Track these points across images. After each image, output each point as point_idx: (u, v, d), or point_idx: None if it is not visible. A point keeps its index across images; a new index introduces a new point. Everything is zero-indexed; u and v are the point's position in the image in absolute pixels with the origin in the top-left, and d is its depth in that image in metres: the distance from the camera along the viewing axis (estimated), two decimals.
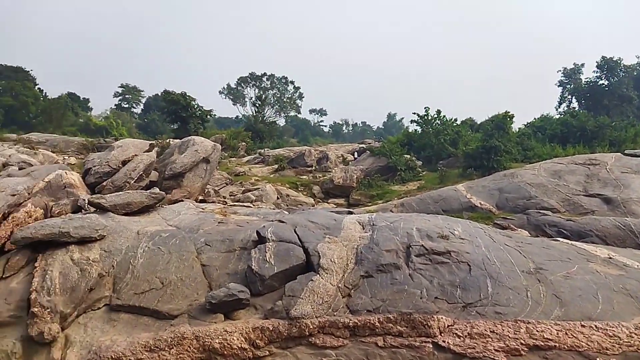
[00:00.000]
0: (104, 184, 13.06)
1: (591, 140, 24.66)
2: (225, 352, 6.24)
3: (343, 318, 6.49)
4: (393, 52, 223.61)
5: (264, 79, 60.41)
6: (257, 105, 56.45)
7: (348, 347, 6.31)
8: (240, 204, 15.94)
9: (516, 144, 23.02)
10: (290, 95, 62.18)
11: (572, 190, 14.99)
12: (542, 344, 5.94)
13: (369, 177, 21.84)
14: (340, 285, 7.11)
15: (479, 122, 32.35)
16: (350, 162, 27.26)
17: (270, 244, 8.11)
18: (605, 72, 44.22)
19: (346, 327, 6.42)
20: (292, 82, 61.25)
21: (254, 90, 60.19)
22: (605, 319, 6.25)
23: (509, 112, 23.18)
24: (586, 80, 45.87)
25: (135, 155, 14.61)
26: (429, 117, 26.66)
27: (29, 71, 52.29)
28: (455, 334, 6.24)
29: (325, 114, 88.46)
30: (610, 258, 8.26)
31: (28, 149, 19.50)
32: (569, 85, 47.60)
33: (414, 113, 27.07)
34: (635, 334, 5.97)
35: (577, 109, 43.38)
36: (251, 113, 58.18)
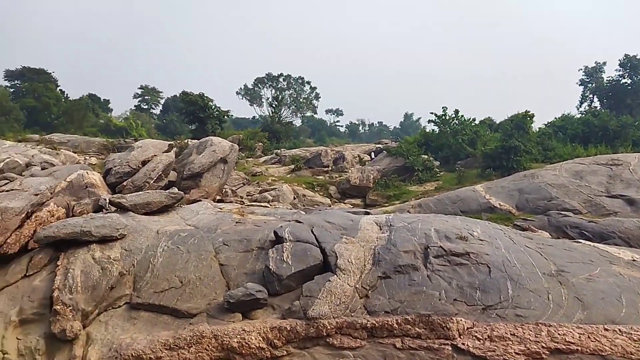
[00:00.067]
0: (124, 183, 13.28)
1: (613, 140, 24.16)
2: (243, 352, 6.28)
3: (361, 319, 6.47)
4: (414, 52, 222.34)
5: (281, 79, 60.65)
6: (274, 105, 56.69)
7: (366, 348, 6.29)
8: (258, 204, 16.04)
9: (536, 144, 22.66)
10: (306, 96, 62.28)
11: (594, 191, 14.70)
12: (564, 347, 5.83)
13: (386, 178, 21.74)
14: (357, 286, 7.09)
15: (497, 122, 31.92)
16: (366, 163, 27.17)
17: (288, 244, 8.13)
18: (628, 70, 43.17)
19: (364, 328, 6.40)
20: (308, 83, 61.39)
21: (271, 90, 60.52)
22: (629, 322, 6.11)
23: (529, 112, 22.84)
24: (608, 78, 44.92)
25: (155, 155, 14.83)
26: (447, 117, 26.41)
27: (50, 73, 53.44)
28: (475, 336, 6.16)
29: (342, 114, 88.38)
30: (634, 260, 8.07)
31: (50, 149, 19.90)
32: (590, 84, 46.70)
33: (432, 113, 26.87)
34: None
35: (598, 108, 42.53)
36: (268, 113, 58.52)
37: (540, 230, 12.09)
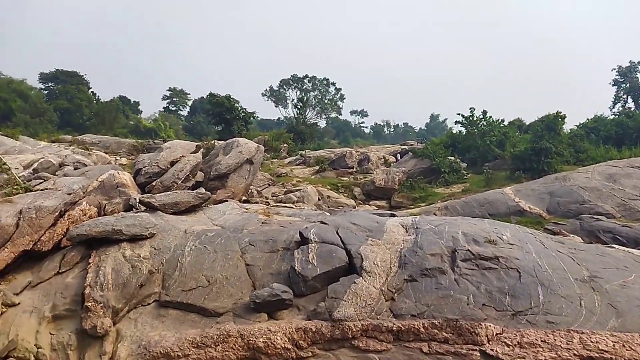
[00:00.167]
0: (154, 183, 13.56)
1: None
2: (269, 351, 6.31)
3: (387, 322, 6.42)
4: (439, 53, 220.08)
5: (306, 80, 60.99)
6: (299, 107, 56.93)
7: (392, 351, 6.24)
8: (283, 204, 16.12)
9: (568, 146, 22.15)
10: (331, 97, 62.40)
11: (628, 195, 14.23)
12: (597, 355, 5.65)
13: (412, 179, 21.57)
14: (383, 288, 7.04)
15: (527, 123, 31.24)
16: (392, 164, 27.00)
17: (313, 245, 8.13)
18: None
19: (390, 331, 6.34)
20: (333, 84, 61.53)
21: (296, 92, 60.94)
22: None
23: (560, 112, 22.28)
24: None
25: (183, 156, 15.09)
26: (474, 118, 26.01)
27: (83, 75, 55.07)
28: (504, 342, 6.03)
29: (366, 115, 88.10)
30: None
31: (82, 150, 20.52)
32: (624, 85, 45.20)
33: (459, 114, 26.58)
34: None
35: (633, 108, 41.10)
36: (293, 115, 58.86)
37: (572, 235, 11.77)
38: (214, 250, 8.51)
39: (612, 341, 5.75)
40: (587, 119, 30.24)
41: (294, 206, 15.74)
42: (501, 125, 26.08)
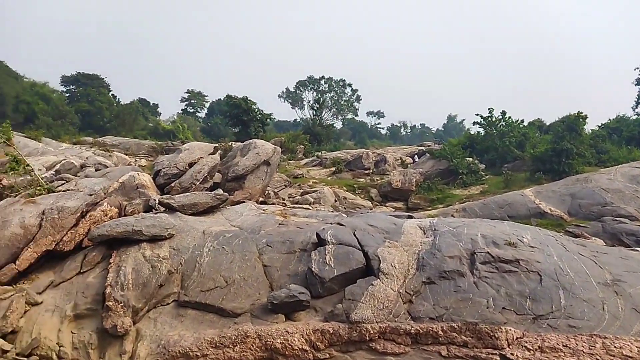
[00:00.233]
0: (172, 185, 13.72)
1: None
2: (286, 353, 6.32)
3: (404, 324, 6.37)
4: (456, 53, 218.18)
5: (322, 82, 61.03)
6: (315, 108, 57.01)
7: (409, 354, 6.19)
8: (299, 206, 16.15)
9: (589, 147, 21.73)
10: (347, 98, 62.33)
11: None
12: None
13: (429, 181, 21.41)
14: (401, 290, 6.99)
15: (547, 124, 30.74)
16: (409, 165, 26.84)
17: (330, 246, 8.13)
18: None
19: (408, 334, 6.29)
20: (349, 85, 61.44)
21: (312, 93, 61.01)
22: None
23: (581, 113, 21.85)
24: None
25: (201, 157, 15.24)
26: (493, 119, 25.69)
27: (103, 78, 56.03)
28: (525, 347, 5.94)
29: (383, 116, 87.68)
30: None
31: (103, 152, 20.91)
32: None
33: (477, 114, 26.26)
34: None
35: None
36: (309, 116, 58.96)
37: (594, 237, 11.54)
38: (231, 251, 8.57)
39: (637, 346, 5.62)
40: (609, 119, 29.64)
41: (310, 207, 15.76)
42: (521, 125, 25.71)
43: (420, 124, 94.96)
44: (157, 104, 66.75)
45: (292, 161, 30.57)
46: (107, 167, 15.61)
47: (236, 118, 38.56)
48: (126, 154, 22.86)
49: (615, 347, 5.65)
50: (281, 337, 6.41)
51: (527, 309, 6.52)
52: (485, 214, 14.16)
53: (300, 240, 8.84)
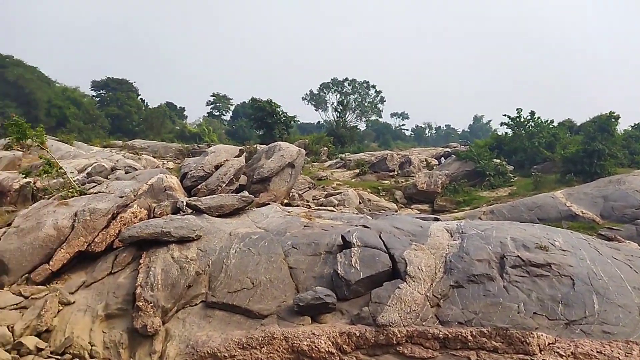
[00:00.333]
0: (199, 187, 13.92)
1: None
2: (313, 355, 6.31)
3: (432, 329, 6.28)
4: (482, 53, 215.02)
5: (346, 84, 60.83)
6: (339, 110, 56.92)
7: (438, 359, 6.10)
8: (324, 208, 16.15)
9: (622, 147, 21.07)
10: (371, 100, 61.95)
11: None
12: None
13: (455, 183, 21.11)
14: (428, 294, 6.90)
15: (578, 124, 29.91)
16: (434, 167, 26.54)
17: (356, 249, 8.09)
18: None
19: (436, 338, 6.20)
20: (373, 87, 61.03)
21: (336, 95, 60.85)
22: None
23: (613, 112, 21.18)
24: None
25: (227, 160, 15.42)
26: (522, 119, 25.16)
27: (132, 83, 57.39)
28: (557, 352, 5.79)
29: (407, 118, 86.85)
30: None
31: (133, 155, 21.41)
32: None
33: (505, 115, 25.76)
34: None
35: None
36: (333, 118, 58.88)
37: (627, 241, 11.17)
38: (257, 252, 8.62)
39: None
40: None
41: (334, 209, 15.74)
42: (550, 126, 25.11)
43: (446, 125, 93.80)
44: (184, 108, 68.02)
45: (316, 163, 30.62)
46: (137, 169, 15.94)
47: (261, 121, 38.86)
48: (154, 157, 23.36)
49: None
50: (308, 340, 6.41)
51: (560, 314, 6.37)
52: (514, 217, 13.88)
53: (325, 243, 8.83)
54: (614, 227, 12.53)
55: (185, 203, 11.06)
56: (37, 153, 13.99)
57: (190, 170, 14.68)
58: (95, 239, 9.67)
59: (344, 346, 6.39)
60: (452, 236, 8.57)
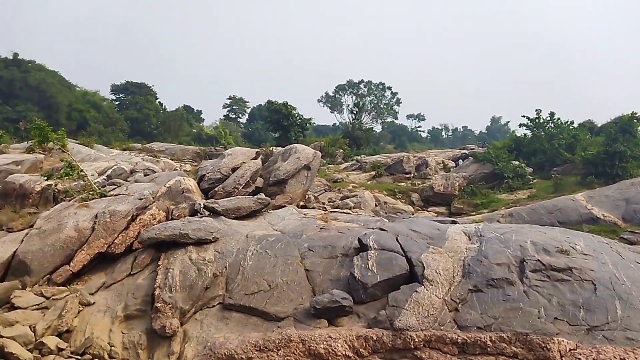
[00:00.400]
0: (216, 189, 14.03)
1: None
2: (329, 358, 6.30)
3: (451, 333, 6.22)
4: (498, 53, 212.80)
5: (361, 85, 60.71)
6: (354, 112, 56.80)
7: None
8: (340, 210, 16.12)
9: None
10: (387, 101, 61.70)
11: None
12: None
13: (473, 185, 20.84)
14: (446, 298, 6.83)
15: (599, 125, 29.29)
16: (451, 169, 26.28)
17: (372, 252, 8.06)
18: None
19: (454, 343, 6.14)
20: (389, 88, 60.80)
21: (351, 97, 60.73)
22: None
23: (635, 113, 20.68)
24: None
25: (243, 162, 15.51)
26: (541, 120, 24.76)
27: (150, 86, 58.21)
28: (579, 359, 5.69)
29: (424, 119, 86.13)
30: None
31: (151, 157, 21.68)
32: None
33: (523, 116, 25.37)
34: None
35: None
36: (348, 120, 58.78)
37: None
38: (274, 255, 8.65)
39: None
40: None
41: (351, 212, 15.71)
42: (570, 127, 24.65)
43: (462, 127, 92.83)
44: (201, 111, 68.74)
45: (332, 165, 30.57)
46: (155, 172, 16.14)
47: (276, 123, 38.99)
48: (172, 159, 23.62)
49: None
50: (324, 343, 6.40)
51: (581, 320, 6.27)
52: (533, 220, 13.65)
53: (342, 245, 8.81)
54: (636, 231, 12.21)
55: (202, 205, 11.15)
56: (59, 156, 14.25)
57: (208, 173, 14.81)
58: (115, 241, 9.81)
59: (360, 350, 6.36)
60: (470, 239, 8.48)
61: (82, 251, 9.43)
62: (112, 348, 7.39)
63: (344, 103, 61.36)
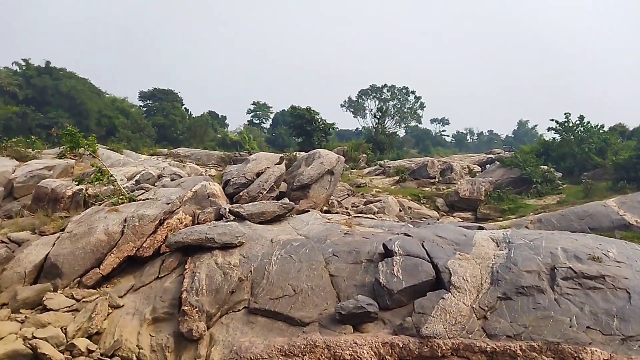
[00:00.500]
0: (241, 194, 14.17)
1: None
2: None
3: (479, 342, 6.10)
4: (524, 57, 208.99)
5: (385, 90, 60.43)
6: (378, 116, 56.58)
7: None
8: (363, 215, 16.05)
9: None
10: (410, 106, 61.24)
11: None
12: None
13: (499, 190, 20.47)
14: (474, 305, 6.70)
15: (631, 129, 28.43)
16: (477, 174, 25.88)
17: (398, 257, 7.98)
18: None
19: (483, 351, 6.02)
20: (413, 92, 60.35)
21: (375, 102, 60.51)
22: None
23: None
24: None
25: (268, 167, 15.63)
26: (570, 124, 24.18)
27: (177, 93, 59.34)
28: None
29: (448, 123, 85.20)
30: None
31: (178, 162, 22.07)
32: None
33: (552, 119, 24.85)
34: None
35: None
36: (371, 124, 58.56)
37: None
38: (299, 259, 8.65)
39: None
40: None
41: (374, 217, 15.61)
42: (601, 131, 24.00)
43: (488, 131, 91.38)
44: (225, 116, 69.66)
45: (355, 170, 30.49)
46: (181, 177, 16.42)
47: (300, 128, 39.22)
48: (197, 164, 23.99)
49: None
50: (350, 349, 6.36)
51: (615, 329, 6.06)
52: (563, 226, 13.31)
53: (366, 251, 8.76)
54: None
55: (227, 210, 11.27)
56: (89, 161, 14.64)
57: (233, 178, 14.97)
58: (144, 244, 10.01)
59: (386, 357, 6.30)
60: (498, 246, 8.31)
61: (112, 254, 9.64)
62: (141, 350, 7.48)
63: (367, 107, 61.18)
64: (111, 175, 12.93)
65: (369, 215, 16.01)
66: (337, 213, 15.33)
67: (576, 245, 7.90)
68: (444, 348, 6.15)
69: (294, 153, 23.93)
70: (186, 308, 7.64)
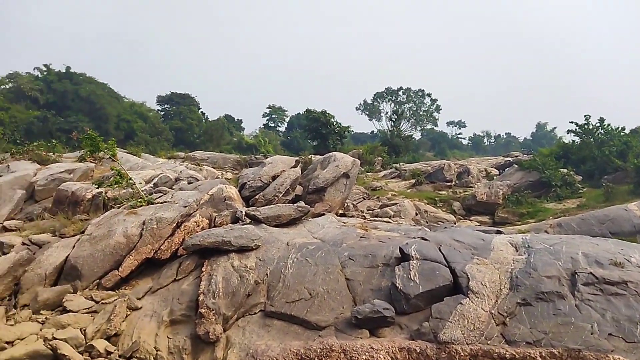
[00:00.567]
0: (257, 197, 14.25)
1: None
2: None
3: (498, 348, 6.01)
4: (541, 59, 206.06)
5: (400, 92, 60.18)
6: (393, 119, 56.37)
7: None
8: (380, 219, 15.99)
9: None
10: (426, 108, 60.86)
11: None
12: None
13: (518, 194, 20.18)
14: (493, 311, 6.61)
15: None
16: (494, 177, 25.57)
17: (414, 262, 7.92)
18: None
19: (502, 358, 5.92)
20: (429, 95, 59.99)
21: (390, 104, 60.29)
22: None
23: None
24: None
25: (283, 170, 15.70)
26: (590, 126, 23.75)
27: (194, 97, 60.04)
28: None
29: (464, 126, 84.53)
30: None
31: (195, 165, 22.27)
32: None
33: (572, 122, 24.45)
34: None
35: None
36: (387, 127, 58.35)
37: None
38: (315, 263, 8.65)
39: None
40: None
41: (390, 220, 15.54)
42: (622, 133, 23.52)
43: (506, 134, 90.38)
44: (241, 120, 70.30)
45: (370, 173, 30.40)
46: (198, 180, 16.55)
47: (315, 131, 39.32)
48: (214, 168, 24.18)
49: None
50: (366, 354, 6.33)
51: (638, 337, 5.93)
52: (584, 230, 13.07)
53: (382, 255, 8.71)
54: None
55: (244, 213, 11.33)
56: (109, 165, 14.84)
57: (249, 181, 15.07)
58: (161, 247, 10.11)
59: None
60: (517, 250, 8.19)
61: (130, 257, 9.77)
62: (158, 352, 7.54)
63: (382, 110, 60.99)
64: (130, 179, 13.12)
65: (384, 219, 15.95)
66: (352, 216, 15.30)
67: (597, 250, 7.74)
68: (462, 354, 6.07)
69: (310, 156, 23.97)
70: (203, 310, 7.69)
